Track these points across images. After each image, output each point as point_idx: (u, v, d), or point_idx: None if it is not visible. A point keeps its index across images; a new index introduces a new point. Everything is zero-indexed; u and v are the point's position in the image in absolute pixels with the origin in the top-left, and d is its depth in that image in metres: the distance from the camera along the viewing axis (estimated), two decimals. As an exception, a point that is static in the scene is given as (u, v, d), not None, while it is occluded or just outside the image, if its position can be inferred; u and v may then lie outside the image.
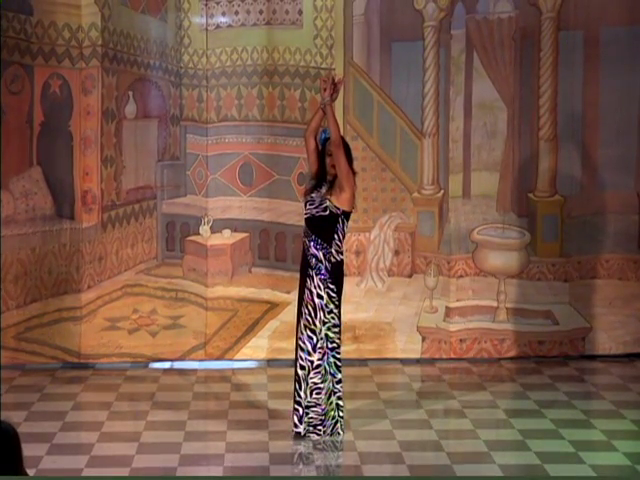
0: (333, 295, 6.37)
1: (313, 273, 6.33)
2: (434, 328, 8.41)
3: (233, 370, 8.18)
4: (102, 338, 8.22)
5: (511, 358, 8.41)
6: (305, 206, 6.42)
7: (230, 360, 8.30)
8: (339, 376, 6.40)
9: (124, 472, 5.80)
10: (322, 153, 6.45)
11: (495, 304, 8.44)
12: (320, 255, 6.34)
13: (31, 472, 5.51)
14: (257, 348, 8.32)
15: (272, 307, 8.37)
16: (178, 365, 8.26)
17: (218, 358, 8.30)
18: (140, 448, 6.24)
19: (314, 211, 6.36)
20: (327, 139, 6.42)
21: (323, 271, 6.33)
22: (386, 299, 8.44)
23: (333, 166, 6.37)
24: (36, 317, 8.12)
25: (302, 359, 6.35)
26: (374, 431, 6.57)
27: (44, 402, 7.27)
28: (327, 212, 6.34)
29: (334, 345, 6.39)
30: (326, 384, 6.37)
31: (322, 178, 6.45)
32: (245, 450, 6.23)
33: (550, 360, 8.39)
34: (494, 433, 6.65)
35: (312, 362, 6.33)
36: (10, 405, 7.13)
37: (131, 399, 7.40)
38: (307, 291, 6.35)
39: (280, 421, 6.71)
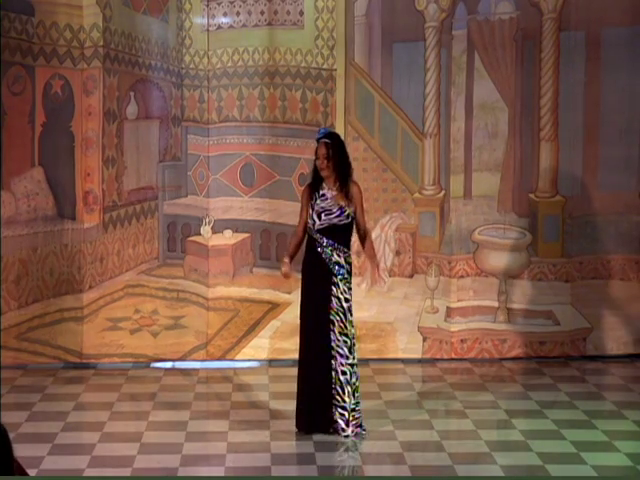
0: (352, 292, 6.47)
1: (338, 280, 6.37)
2: (435, 328, 8.42)
3: (234, 370, 8.19)
4: (104, 338, 8.23)
5: (512, 358, 8.42)
6: (319, 217, 6.36)
7: (231, 360, 8.32)
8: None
9: (126, 472, 5.80)
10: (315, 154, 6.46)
11: (496, 304, 8.45)
12: (342, 260, 6.39)
13: (32, 472, 5.52)
14: (258, 348, 8.33)
15: (273, 307, 8.38)
16: (180, 365, 8.27)
17: (219, 358, 8.31)
18: (142, 448, 6.24)
19: (335, 220, 6.37)
20: (320, 138, 6.41)
21: (346, 275, 6.41)
22: (387, 299, 8.45)
23: (325, 159, 6.34)
24: (38, 317, 8.13)
25: (342, 365, 6.38)
26: (376, 431, 6.57)
27: (46, 402, 7.28)
28: (349, 219, 6.40)
29: (355, 340, 6.52)
30: (359, 381, 6.48)
31: (315, 179, 6.44)
32: (247, 450, 6.23)
33: (551, 360, 8.39)
34: (495, 433, 6.66)
35: (351, 365, 6.40)
36: (12, 405, 7.14)
37: (133, 399, 7.41)
38: (334, 299, 6.37)
39: (281, 421, 6.71)
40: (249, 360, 8.30)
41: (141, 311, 8.30)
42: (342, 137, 6.72)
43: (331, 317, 6.39)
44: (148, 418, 6.88)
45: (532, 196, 8.46)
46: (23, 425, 6.67)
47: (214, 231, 8.32)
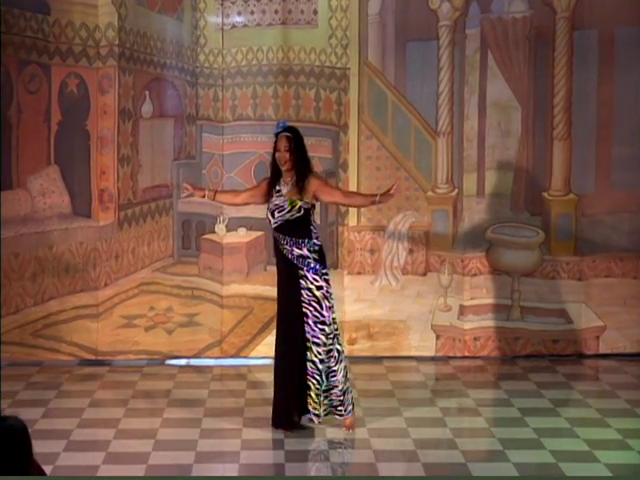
0: (327, 277, 6.45)
1: (305, 272, 6.37)
2: (448, 326, 8.44)
3: (248, 367, 8.22)
4: (119, 335, 8.28)
5: (525, 356, 8.43)
6: (273, 215, 6.39)
7: (245, 357, 8.35)
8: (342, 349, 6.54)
9: (140, 469, 5.84)
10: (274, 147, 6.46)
11: (509, 302, 8.46)
12: (305, 252, 6.37)
13: (48, 469, 5.55)
14: (272, 345, 8.26)
15: (287, 305, 8.40)
16: (194, 362, 8.31)
17: (234, 355, 8.35)
18: (156, 445, 6.27)
19: (287, 216, 6.36)
20: (280, 132, 6.41)
21: (313, 264, 6.37)
22: (400, 297, 8.47)
23: (287, 151, 6.33)
24: (53, 314, 8.19)
25: (320, 354, 6.40)
26: (389, 429, 6.60)
27: (61, 399, 7.32)
28: (302, 212, 6.38)
29: (336, 324, 6.51)
30: (341, 365, 6.47)
31: (273, 173, 6.45)
32: (261, 447, 6.25)
33: (564, 359, 8.40)
34: (508, 431, 6.65)
35: (328, 351, 6.42)
36: (27, 402, 7.19)
37: (147, 396, 7.44)
38: (305, 291, 6.37)
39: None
40: (263, 357, 8.31)
41: (156, 308, 8.35)
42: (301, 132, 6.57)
43: (303, 309, 6.39)
44: (162, 415, 6.92)
45: (545, 195, 8.46)
46: (39, 422, 6.71)
47: (228, 229, 8.36)
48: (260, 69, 8.28)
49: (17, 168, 8.07)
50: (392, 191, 6.43)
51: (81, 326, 8.22)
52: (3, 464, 2.95)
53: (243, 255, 8.39)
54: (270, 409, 6.62)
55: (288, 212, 6.37)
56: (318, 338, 6.41)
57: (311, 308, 6.39)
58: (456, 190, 8.42)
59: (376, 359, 8.33)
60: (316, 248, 6.41)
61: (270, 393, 6.76)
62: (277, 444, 6.29)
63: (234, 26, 8.28)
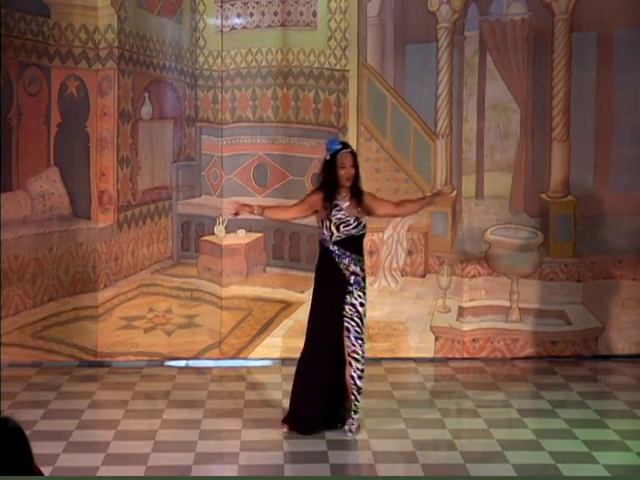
0: (366, 295, 6.54)
1: (353, 288, 6.43)
2: (447, 328, 8.45)
3: (248, 369, 8.24)
4: (118, 337, 8.29)
5: (524, 358, 8.45)
6: (338, 229, 6.40)
7: (245, 359, 8.37)
8: None
9: (140, 470, 5.85)
10: (330, 163, 6.43)
11: (508, 304, 8.47)
12: (358, 270, 6.45)
13: (47, 470, 5.57)
14: (271, 347, 8.38)
15: (286, 306, 8.42)
16: (193, 364, 8.33)
17: (233, 357, 8.36)
18: (156, 446, 6.29)
19: (354, 231, 6.42)
20: (341, 149, 6.42)
21: (360, 282, 6.46)
22: (399, 299, 8.48)
23: (352, 167, 6.38)
24: (53, 316, 8.20)
25: (359, 370, 6.46)
26: (388, 430, 6.61)
27: (61, 400, 7.33)
28: (365, 229, 6.48)
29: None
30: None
31: (331, 189, 6.44)
32: (260, 449, 6.27)
33: (563, 360, 8.42)
34: (507, 432, 6.68)
35: (362, 370, 6.51)
36: (27, 403, 7.21)
37: (147, 397, 7.46)
38: (349, 307, 6.42)
39: (294, 420, 6.74)
40: (262, 359, 8.35)
41: (155, 310, 8.36)
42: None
43: (345, 324, 6.43)
44: (162, 416, 6.94)
45: (544, 196, 8.48)
46: (39, 423, 6.73)
47: (227, 231, 8.37)
48: (259, 71, 8.30)
49: (17, 170, 8.09)
50: (444, 191, 6.68)
51: (81, 327, 8.23)
52: (4, 465, 2.96)
53: (242, 257, 8.41)
54: (269, 410, 6.62)
55: (354, 228, 6.42)
56: (357, 354, 6.46)
57: (353, 323, 6.44)
58: (455, 192, 8.43)
59: (375, 360, 8.32)
60: (364, 267, 6.53)
61: (269, 394, 6.81)
62: (276, 445, 6.31)
63: (233, 28, 8.29)
